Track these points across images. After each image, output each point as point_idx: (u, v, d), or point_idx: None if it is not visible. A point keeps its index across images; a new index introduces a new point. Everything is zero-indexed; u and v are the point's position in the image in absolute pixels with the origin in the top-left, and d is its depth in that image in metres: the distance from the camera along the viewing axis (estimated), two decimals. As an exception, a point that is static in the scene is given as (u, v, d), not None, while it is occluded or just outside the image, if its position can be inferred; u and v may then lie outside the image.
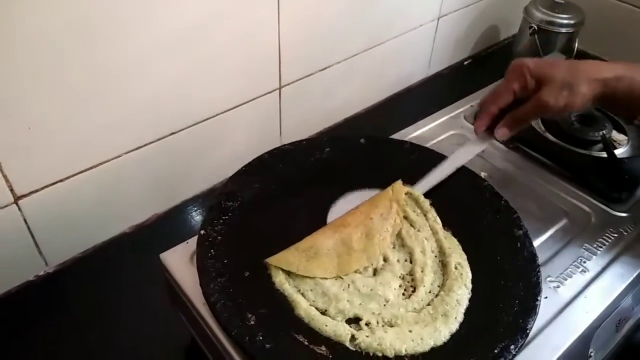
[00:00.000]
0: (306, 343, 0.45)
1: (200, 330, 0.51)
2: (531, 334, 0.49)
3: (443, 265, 0.52)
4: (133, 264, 0.67)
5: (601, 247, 0.58)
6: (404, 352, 0.45)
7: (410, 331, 0.46)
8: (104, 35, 0.56)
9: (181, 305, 0.53)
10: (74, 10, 0.52)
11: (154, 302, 0.60)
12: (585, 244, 0.59)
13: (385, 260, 0.52)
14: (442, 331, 0.46)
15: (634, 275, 0.56)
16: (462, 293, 0.49)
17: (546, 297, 0.53)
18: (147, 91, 0.63)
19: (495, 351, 0.44)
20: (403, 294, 0.50)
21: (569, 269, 0.56)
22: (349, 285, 0.49)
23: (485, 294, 0.50)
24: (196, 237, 0.51)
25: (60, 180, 0.62)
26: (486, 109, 0.58)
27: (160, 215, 0.74)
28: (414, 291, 0.50)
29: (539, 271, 0.50)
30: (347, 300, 0.48)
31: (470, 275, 0.51)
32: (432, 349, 0.45)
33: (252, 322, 0.45)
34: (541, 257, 0.56)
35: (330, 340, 0.45)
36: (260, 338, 0.43)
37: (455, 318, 0.47)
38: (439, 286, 0.50)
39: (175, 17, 0.60)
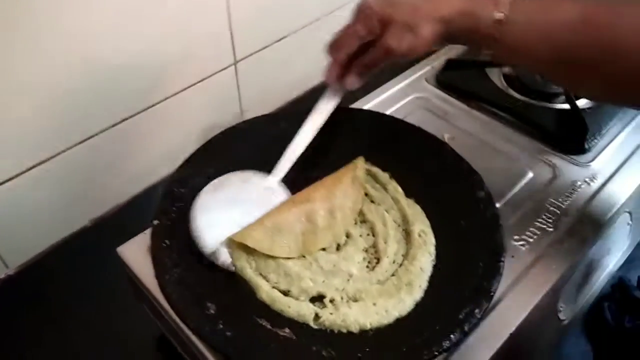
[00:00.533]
0: (269, 327, 0.44)
1: (164, 322, 0.50)
2: (499, 294, 0.49)
3: (407, 234, 0.51)
4: (97, 257, 0.65)
5: (566, 201, 0.58)
6: (368, 326, 0.44)
7: (374, 304, 0.45)
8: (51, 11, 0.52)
9: (144, 299, 0.52)
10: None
11: (122, 296, 0.59)
12: (551, 199, 0.58)
13: (347, 236, 0.51)
14: (407, 301, 0.45)
15: (600, 227, 0.56)
16: (425, 260, 0.48)
17: (513, 257, 0.52)
18: (91, 75, 0.60)
19: (460, 316, 0.43)
20: (367, 267, 0.49)
21: (535, 227, 0.55)
22: (311, 263, 0.48)
23: (449, 259, 0.49)
24: (153, 227, 0.49)
25: (10, 179, 0.59)
26: (334, 57, 0.52)
27: (122, 205, 0.72)
28: (377, 263, 0.49)
29: (501, 232, 0.49)
30: (310, 279, 0.47)
31: (434, 241, 0.50)
32: (398, 320, 0.45)
33: (212, 311, 0.44)
34: (507, 217, 0.56)
35: (293, 321, 0.45)
36: (221, 327, 0.42)
37: (420, 286, 0.47)
38: (403, 255, 0.49)
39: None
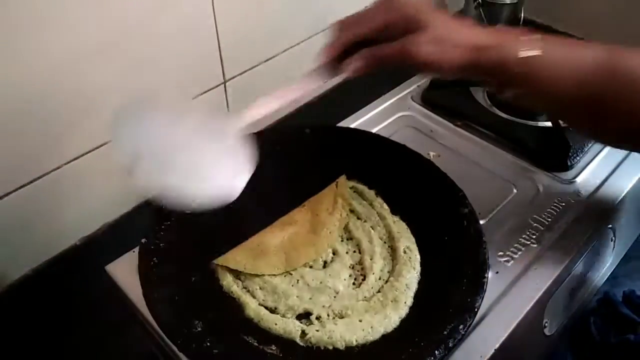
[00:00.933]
0: (256, 344, 0.44)
1: (154, 340, 0.50)
2: (484, 310, 0.49)
3: (392, 250, 0.52)
4: (86, 276, 0.66)
5: (550, 217, 0.59)
6: (354, 343, 0.44)
7: (360, 321, 0.46)
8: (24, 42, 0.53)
9: (133, 317, 0.52)
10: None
11: (112, 314, 0.59)
12: (535, 216, 0.59)
13: (334, 253, 0.52)
14: (392, 317, 0.46)
15: (583, 243, 0.57)
16: (411, 277, 0.49)
17: (497, 272, 0.53)
18: (84, 95, 0.61)
19: (445, 332, 0.44)
20: (353, 284, 0.50)
21: (519, 242, 0.56)
22: (298, 280, 0.49)
23: (434, 275, 0.50)
24: (142, 246, 0.50)
25: (-1, 199, 0.59)
26: (340, 36, 0.47)
27: (111, 224, 0.72)
28: (364, 280, 0.49)
29: (485, 248, 0.50)
30: (297, 296, 0.48)
31: (419, 258, 0.51)
32: (383, 336, 0.45)
33: (199, 329, 0.44)
34: (491, 233, 0.56)
35: (280, 339, 0.45)
36: (208, 344, 0.43)
37: (405, 303, 0.47)
38: (388, 272, 0.50)
39: (103, 19, 0.58)
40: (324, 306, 0.47)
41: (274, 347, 0.44)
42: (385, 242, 0.52)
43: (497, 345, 0.48)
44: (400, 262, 0.50)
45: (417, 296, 0.48)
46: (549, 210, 0.60)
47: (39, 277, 0.66)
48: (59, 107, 0.59)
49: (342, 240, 0.53)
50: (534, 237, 0.57)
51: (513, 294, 0.52)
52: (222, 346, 0.43)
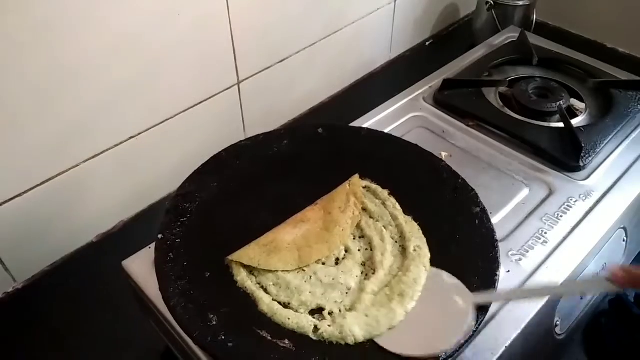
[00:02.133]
0: (269, 338, 0.45)
1: (169, 335, 0.51)
2: (495, 308, 0.50)
3: (403, 249, 0.52)
4: (103, 273, 0.67)
5: (561, 217, 0.59)
6: (362, 338, 0.45)
7: (366, 315, 0.46)
8: (46, 42, 0.55)
9: (149, 312, 0.53)
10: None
11: (128, 310, 0.60)
12: (546, 215, 0.59)
13: (346, 250, 0.52)
14: (398, 311, 0.46)
15: (595, 243, 0.57)
16: (419, 272, 0.49)
17: (508, 271, 0.53)
18: (101, 94, 0.62)
19: (456, 329, 0.44)
20: (365, 280, 0.50)
21: (531, 241, 0.57)
22: (311, 276, 0.50)
23: (445, 273, 0.50)
24: (157, 242, 0.51)
25: (18, 195, 0.61)
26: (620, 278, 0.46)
27: (126, 222, 0.73)
28: (374, 274, 0.50)
29: (497, 247, 0.50)
30: (310, 292, 0.48)
31: (428, 255, 0.51)
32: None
33: (214, 323, 0.45)
34: (503, 232, 0.57)
35: (293, 333, 0.45)
36: (223, 337, 0.43)
37: (412, 297, 0.47)
38: (398, 268, 0.50)
39: (120, 20, 0.59)
40: (336, 302, 0.48)
41: (287, 342, 0.45)
42: (396, 242, 0.53)
43: (507, 344, 0.48)
44: (409, 258, 0.50)
45: (428, 293, 0.48)
46: (561, 210, 0.60)
47: (57, 272, 0.68)
48: (77, 106, 0.61)
49: (354, 238, 0.53)
50: (545, 235, 0.57)
51: (524, 293, 0.52)
52: (237, 340, 0.44)
